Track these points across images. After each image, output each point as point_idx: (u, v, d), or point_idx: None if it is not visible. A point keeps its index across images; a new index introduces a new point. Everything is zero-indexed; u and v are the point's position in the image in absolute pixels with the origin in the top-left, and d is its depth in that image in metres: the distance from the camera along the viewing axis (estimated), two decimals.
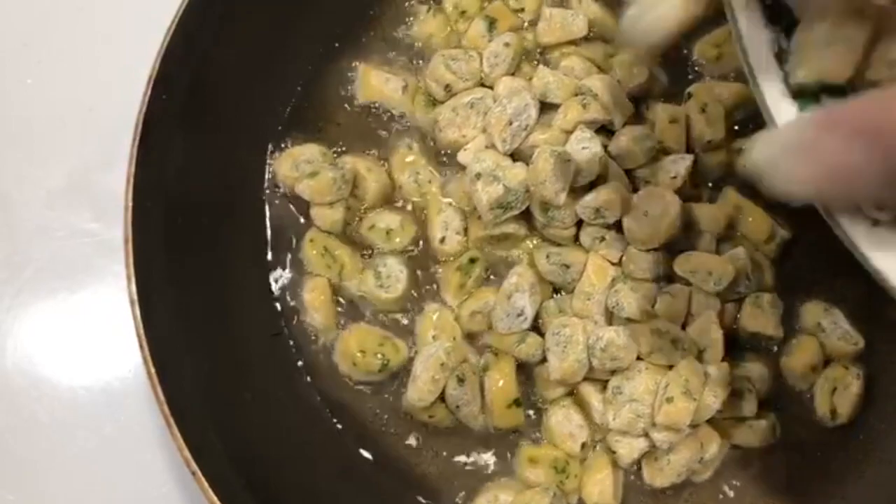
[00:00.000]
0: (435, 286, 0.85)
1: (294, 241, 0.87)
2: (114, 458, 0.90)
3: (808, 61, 0.52)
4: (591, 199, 0.79)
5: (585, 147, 0.79)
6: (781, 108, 0.53)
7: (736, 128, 0.87)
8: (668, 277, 0.82)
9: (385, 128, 0.89)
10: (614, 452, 0.80)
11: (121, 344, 0.90)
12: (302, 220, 0.87)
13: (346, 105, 0.90)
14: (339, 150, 0.88)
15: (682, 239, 0.82)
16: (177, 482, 0.89)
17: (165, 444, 0.89)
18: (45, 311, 0.94)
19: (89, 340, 0.93)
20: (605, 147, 0.81)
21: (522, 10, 0.89)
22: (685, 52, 0.90)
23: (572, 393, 0.82)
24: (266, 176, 0.88)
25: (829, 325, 0.84)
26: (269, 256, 0.87)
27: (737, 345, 0.83)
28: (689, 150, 0.84)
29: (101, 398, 0.91)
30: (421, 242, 0.86)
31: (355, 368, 0.83)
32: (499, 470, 0.83)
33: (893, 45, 0.51)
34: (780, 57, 0.54)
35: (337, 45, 0.91)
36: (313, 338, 0.85)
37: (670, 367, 0.78)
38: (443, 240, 0.84)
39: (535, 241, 0.84)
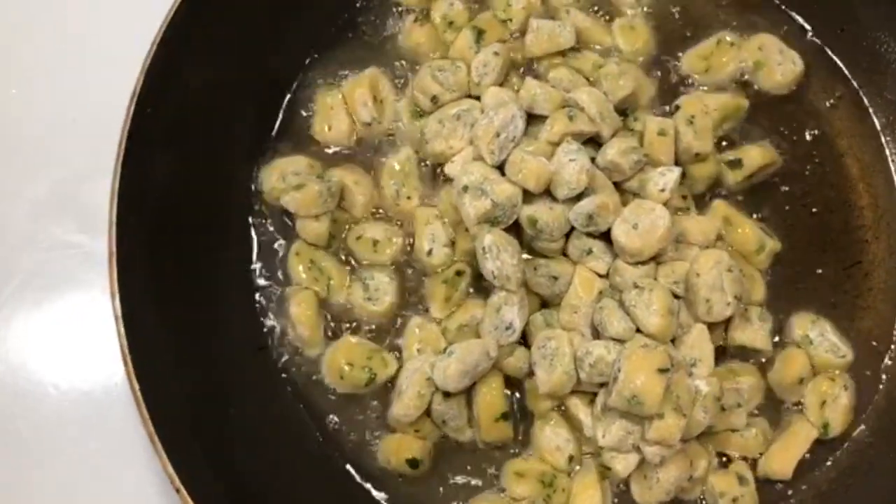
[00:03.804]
0: (422, 299, 0.85)
1: (280, 253, 0.86)
2: (99, 469, 0.89)
3: None
4: (584, 204, 0.78)
5: (573, 159, 0.78)
6: None
7: (724, 140, 0.87)
8: None
9: (375, 139, 0.88)
10: (609, 469, 0.79)
11: (106, 355, 0.89)
12: (288, 233, 0.86)
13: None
14: (328, 161, 0.87)
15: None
16: (162, 494, 0.88)
17: (151, 456, 0.88)
18: (30, 322, 0.93)
19: (74, 352, 0.92)
20: (592, 159, 0.80)
21: (510, 20, 0.88)
22: (673, 64, 0.90)
23: (561, 407, 0.82)
24: (252, 188, 0.87)
25: (817, 336, 0.84)
26: (255, 269, 0.86)
27: (727, 357, 0.83)
28: (677, 161, 0.84)
29: (87, 409, 0.91)
30: (408, 254, 0.85)
31: (342, 381, 0.82)
32: (485, 484, 0.82)
33: None
34: None
35: (324, 55, 0.90)
36: (299, 352, 0.85)
37: None
38: (430, 252, 0.84)
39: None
